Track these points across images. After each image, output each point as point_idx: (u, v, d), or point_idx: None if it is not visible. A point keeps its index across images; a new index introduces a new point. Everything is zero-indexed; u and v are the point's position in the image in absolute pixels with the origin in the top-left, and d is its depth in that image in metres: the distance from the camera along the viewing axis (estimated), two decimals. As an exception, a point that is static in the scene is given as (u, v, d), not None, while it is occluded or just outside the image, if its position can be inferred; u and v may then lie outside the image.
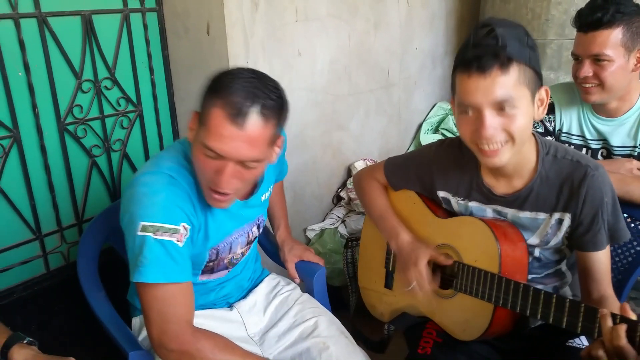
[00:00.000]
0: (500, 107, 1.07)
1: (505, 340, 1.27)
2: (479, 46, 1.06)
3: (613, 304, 1.15)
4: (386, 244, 1.49)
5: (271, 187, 1.42)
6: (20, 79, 1.55)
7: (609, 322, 0.94)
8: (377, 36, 2.48)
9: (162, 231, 1.08)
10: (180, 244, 1.10)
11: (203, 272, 1.29)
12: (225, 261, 1.32)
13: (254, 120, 1.03)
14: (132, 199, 1.11)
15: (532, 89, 1.09)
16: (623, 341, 0.91)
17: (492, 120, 1.07)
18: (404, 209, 1.45)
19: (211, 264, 1.28)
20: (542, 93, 1.13)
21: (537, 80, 1.10)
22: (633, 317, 0.93)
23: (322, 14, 2.15)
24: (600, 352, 0.95)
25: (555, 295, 1.04)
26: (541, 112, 1.14)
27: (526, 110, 1.09)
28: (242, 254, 1.37)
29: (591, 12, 1.46)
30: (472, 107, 1.09)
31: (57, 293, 1.72)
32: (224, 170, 1.06)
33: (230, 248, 1.31)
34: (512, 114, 1.07)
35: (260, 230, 1.43)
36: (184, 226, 1.12)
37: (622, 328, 0.91)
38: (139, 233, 1.08)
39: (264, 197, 1.37)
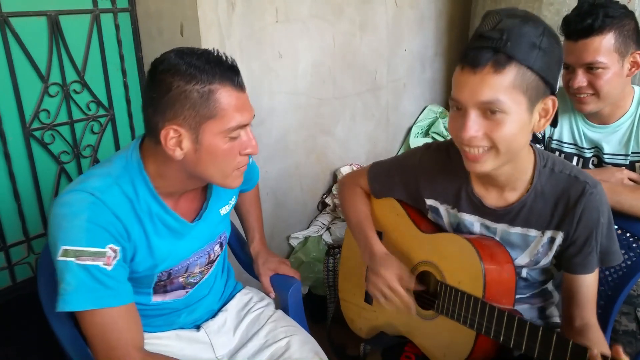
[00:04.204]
0: (487, 109, 0.97)
1: (489, 364, 1.20)
2: (481, 38, 0.97)
3: (596, 334, 1.09)
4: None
5: (233, 199, 1.33)
6: (-20, 82, 1.48)
7: None
8: (363, 38, 2.41)
9: (86, 255, 1.00)
10: (108, 268, 1.02)
11: (156, 292, 1.20)
12: (181, 280, 1.23)
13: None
14: (53, 221, 1.02)
15: (532, 97, 0.98)
16: None
17: (474, 123, 0.98)
18: (386, 220, 1.38)
19: (162, 283, 1.20)
20: (548, 103, 1.01)
21: (542, 88, 0.98)
22: None
23: (304, 14, 2.07)
24: None
25: (541, 328, 0.96)
26: (542, 124, 1.03)
27: (518, 119, 0.98)
28: (202, 273, 1.28)
29: (580, 19, 1.37)
30: (460, 104, 1.00)
31: (24, 306, 1.65)
32: (252, 135, 1.09)
33: (187, 269, 1.23)
34: (499, 120, 0.97)
35: (224, 247, 1.34)
36: (111, 248, 1.03)
37: None
38: (60, 258, 0.99)
39: (224, 210, 1.29)
